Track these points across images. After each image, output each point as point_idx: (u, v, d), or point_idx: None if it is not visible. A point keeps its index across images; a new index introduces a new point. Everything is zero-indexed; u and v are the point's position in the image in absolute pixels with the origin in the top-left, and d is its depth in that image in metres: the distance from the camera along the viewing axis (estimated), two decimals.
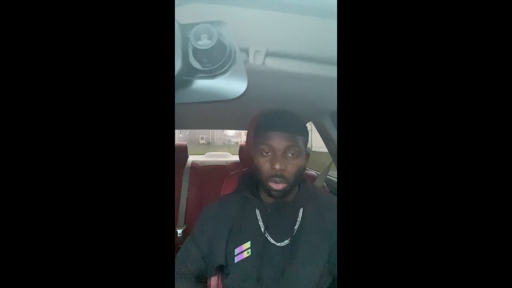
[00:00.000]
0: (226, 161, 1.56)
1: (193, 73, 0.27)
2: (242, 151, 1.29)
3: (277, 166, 0.52)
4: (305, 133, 0.57)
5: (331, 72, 0.52)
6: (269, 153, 0.55)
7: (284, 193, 0.56)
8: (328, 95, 0.70)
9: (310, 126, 1.11)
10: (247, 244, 0.58)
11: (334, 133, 0.97)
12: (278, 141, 0.53)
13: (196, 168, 1.42)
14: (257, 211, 0.61)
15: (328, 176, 1.21)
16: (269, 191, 0.56)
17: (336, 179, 1.28)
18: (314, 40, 0.43)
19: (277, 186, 0.54)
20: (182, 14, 0.29)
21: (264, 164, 0.55)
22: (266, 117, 0.58)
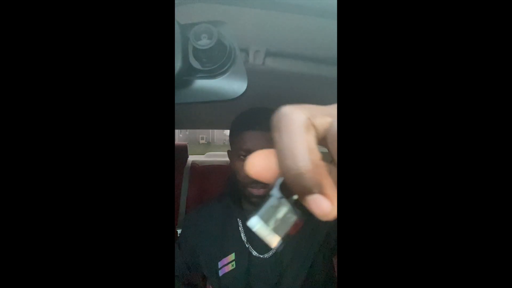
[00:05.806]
0: (226, 161, 1.56)
1: (193, 73, 0.27)
2: None
3: None
4: None
5: (331, 72, 0.52)
6: (247, 156, 0.52)
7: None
8: (328, 95, 0.70)
9: None
10: (231, 256, 0.54)
11: None
12: (255, 142, 0.47)
13: (196, 168, 1.42)
14: (239, 221, 0.57)
15: None
16: (249, 198, 0.51)
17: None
18: (314, 40, 0.43)
19: (258, 191, 0.49)
20: (182, 14, 0.29)
21: (243, 169, 0.51)
22: (242, 115, 0.50)
